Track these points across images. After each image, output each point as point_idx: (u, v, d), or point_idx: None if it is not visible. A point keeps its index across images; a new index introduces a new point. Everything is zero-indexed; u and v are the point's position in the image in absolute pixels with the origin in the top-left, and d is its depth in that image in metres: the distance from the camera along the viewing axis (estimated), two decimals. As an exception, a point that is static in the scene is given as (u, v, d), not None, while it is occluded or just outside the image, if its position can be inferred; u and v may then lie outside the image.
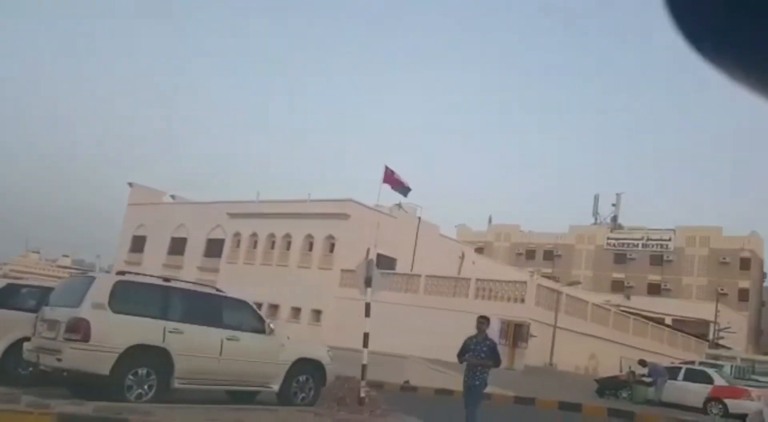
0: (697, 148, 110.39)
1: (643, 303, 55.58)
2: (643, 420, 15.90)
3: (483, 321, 9.41)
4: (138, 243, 46.11)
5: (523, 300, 27.59)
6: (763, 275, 71.59)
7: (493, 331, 27.40)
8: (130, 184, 48.14)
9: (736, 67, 0.47)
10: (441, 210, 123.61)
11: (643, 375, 19.25)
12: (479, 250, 78.33)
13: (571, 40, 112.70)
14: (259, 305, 36.91)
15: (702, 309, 53.75)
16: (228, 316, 10.24)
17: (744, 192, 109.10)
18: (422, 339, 27.96)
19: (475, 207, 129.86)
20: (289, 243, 36.78)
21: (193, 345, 9.69)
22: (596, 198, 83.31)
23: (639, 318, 37.29)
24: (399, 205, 39.44)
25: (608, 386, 19.18)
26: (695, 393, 19.07)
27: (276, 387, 10.35)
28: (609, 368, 27.35)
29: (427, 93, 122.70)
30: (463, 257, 41.90)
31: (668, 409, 18.09)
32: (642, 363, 19.62)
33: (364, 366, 11.11)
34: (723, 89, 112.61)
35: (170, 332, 9.52)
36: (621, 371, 21.67)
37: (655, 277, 71.86)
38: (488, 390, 18.73)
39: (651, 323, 38.25)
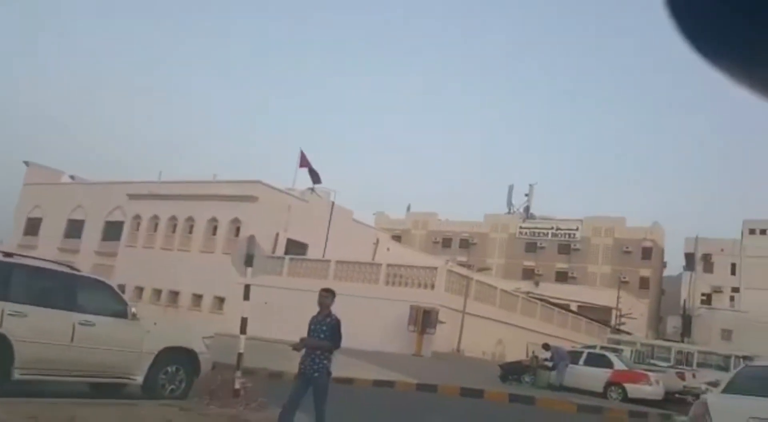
0: (606, 141, 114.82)
1: (550, 290, 57.00)
2: (544, 404, 15.66)
3: (326, 294, 7.77)
4: (33, 226, 42.86)
5: (433, 287, 27.18)
6: (664, 264, 75.26)
7: (403, 317, 26.96)
8: (26, 163, 44.68)
9: (735, 66, 0.46)
10: (360, 198, 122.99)
11: (546, 360, 19.15)
12: (396, 238, 78.36)
13: (480, 29, 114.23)
14: (159, 292, 35.21)
15: (605, 296, 55.73)
16: (83, 298, 8.95)
17: (648, 183, 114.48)
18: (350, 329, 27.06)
19: (394, 195, 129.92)
20: (191, 227, 34.96)
21: (39, 330, 8.38)
22: (510, 188, 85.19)
23: (546, 304, 37.89)
24: (312, 190, 38.30)
25: (511, 371, 18.97)
26: (596, 377, 19.12)
27: (140, 379, 9.17)
28: (516, 353, 27.44)
29: (345, 79, 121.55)
30: (377, 243, 41.28)
31: (569, 394, 18.02)
32: (545, 347, 19.51)
33: (240, 355, 10.10)
34: (627, 81, 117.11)
35: (10, 315, 8.18)
36: (527, 356, 21.58)
37: (562, 265, 74.11)
38: (391, 377, 18.38)
39: (557, 309, 38.98)
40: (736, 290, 66.77)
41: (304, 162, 39.93)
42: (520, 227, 78.63)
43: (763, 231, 65.92)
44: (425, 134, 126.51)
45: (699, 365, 28.98)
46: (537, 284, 61.98)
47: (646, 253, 70.82)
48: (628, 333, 41.55)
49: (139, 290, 35.00)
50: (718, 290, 67.38)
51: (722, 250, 68.53)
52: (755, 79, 0.48)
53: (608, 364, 19.31)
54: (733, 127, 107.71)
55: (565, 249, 75.16)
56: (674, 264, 75.36)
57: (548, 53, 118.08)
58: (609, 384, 18.96)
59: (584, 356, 19.84)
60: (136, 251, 36.37)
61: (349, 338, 22.42)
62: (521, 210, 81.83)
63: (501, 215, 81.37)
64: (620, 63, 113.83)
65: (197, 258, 33.84)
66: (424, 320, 25.85)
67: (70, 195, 41.19)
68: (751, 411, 5.99)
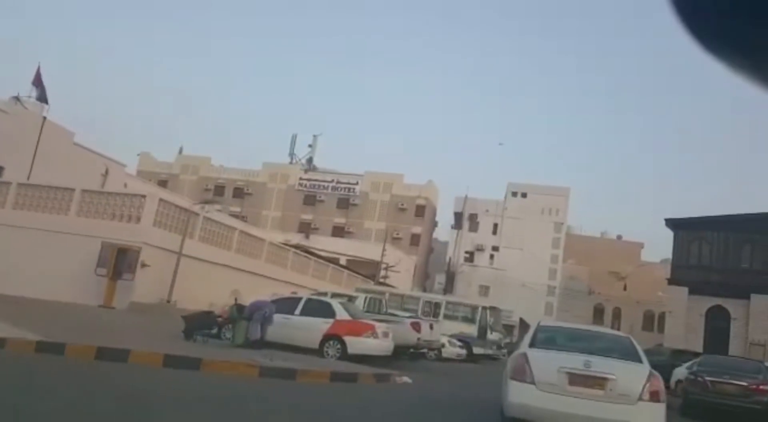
0: (396, 96, 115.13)
1: (321, 243, 53.75)
2: (213, 368, 11.06)
3: None
4: None
5: (138, 220, 21.37)
6: (435, 223, 76.34)
7: (94, 258, 20.86)
8: None
9: (735, 55, 0.47)
10: (129, 140, 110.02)
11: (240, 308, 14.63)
12: (163, 183, 70.06)
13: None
14: None
15: (375, 251, 53.71)
16: None
17: (427, 143, 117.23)
18: (7, 271, 20.26)
19: (168, 139, 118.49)
20: None
21: None
22: (293, 138, 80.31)
23: (300, 253, 33.91)
24: (17, 99, 29.84)
25: (199, 325, 14.17)
26: (312, 329, 15.11)
27: None
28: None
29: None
30: (107, 174, 33.85)
31: (271, 351, 13.74)
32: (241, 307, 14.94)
33: None
34: (420, 37, 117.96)
35: None
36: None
37: (340, 220, 71.75)
38: (14, 334, 12.47)
39: (313, 258, 35.24)
40: (496, 249, 69.56)
41: (38, 79, 31.45)
42: (300, 178, 74.65)
43: (524, 195, 69.07)
44: (202, 71, 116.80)
45: (447, 317, 26.89)
46: (307, 236, 58.38)
47: (420, 211, 70.92)
48: (392, 287, 39.35)
49: None
50: (480, 248, 69.67)
51: (487, 211, 70.87)
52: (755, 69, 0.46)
53: (329, 314, 15.36)
54: (506, 92, 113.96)
55: (343, 203, 72.80)
56: (445, 222, 76.81)
57: None
58: (326, 338, 15.04)
59: (301, 304, 15.67)
60: None
61: (24, 283, 16.13)
62: (304, 161, 77.87)
63: (281, 164, 76.50)
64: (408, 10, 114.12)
65: None
66: (119, 262, 20.06)
67: None
68: (558, 362, 7.10)
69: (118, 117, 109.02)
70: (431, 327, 18.61)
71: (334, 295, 19.12)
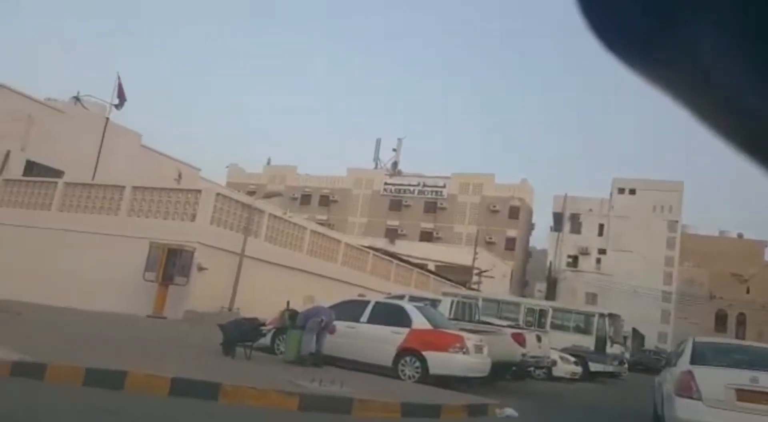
0: (477, 95, 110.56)
1: (408, 248, 50.44)
2: (232, 398, 7.91)
3: None
4: None
5: (193, 218, 18.86)
6: (531, 225, 71.27)
7: (137, 260, 18.48)
8: None
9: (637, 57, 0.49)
10: (218, 152, 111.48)
11: (293, 316, 11.45)
12: (251, 194, 69.36)
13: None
14: None
15: (466, 256, 49.79)
16: None
17: (519, 140, 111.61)
18: (53, 279, 18.35)
19: (257, 150, 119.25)
20: None
21: None
22: (378, 142, 77.75)
23: (380, 255, 30.72)
24: (77, 99, 28.56)
25: (239, 335, 11.13)
26: (382, 341, 11.77)
27: None
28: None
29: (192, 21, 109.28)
30: (180, 178, 32.08)
31: (330, 370, 10.50)
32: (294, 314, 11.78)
33: None
34: (504, 38, 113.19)
35: None
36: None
37: (428, 225, 68.27)
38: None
39: (395, 261, 31.94)
40: (602, 252, 63.67)
41: (121, 90, 30.32)
42: (385, 183, 71.91)
43: (632, 191, 62.89)
44: (293, 85, 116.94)
45: (554, 327, 22.75)
46: (393, 241, 55.24)
47: (514, 213, 66.23)
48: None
49: None
50: (584, 252, 64.00)
51: (591, 210, 65.14)
52: (652, 70, 0.48)
53: (404, 321, 11.95)
54: (605, 88, 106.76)
55: (431, 207, 69.35)
56: (542, 225, 71.65)
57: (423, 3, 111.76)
58: (401, 353, 11.64)
59: (369, 309, 12.33)
60: None
61: (71, 293, 13.49)
62: (388, 165, 75.07)
63: (365, 170, 74.06)
64: (499, 20, 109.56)
65: None
66: (170, 264, 17.54)
67: None
68: (725, 378, 7.17)
69: (209, 130, 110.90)
70: (539, 339, 14.79)
71: (413, 298, 15.65)
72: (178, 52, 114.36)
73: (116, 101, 29.58)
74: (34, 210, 20.90)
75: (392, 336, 11.77)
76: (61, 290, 18.34)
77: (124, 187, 19.90)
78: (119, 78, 29.69)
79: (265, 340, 11.92)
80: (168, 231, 18.45)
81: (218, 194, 19.42)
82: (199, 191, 19.26)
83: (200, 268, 18.24)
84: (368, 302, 12.74)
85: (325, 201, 73.92)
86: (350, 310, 12.26)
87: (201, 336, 13.48)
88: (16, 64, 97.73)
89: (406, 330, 11.79)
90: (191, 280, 17.97)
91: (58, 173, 25.88)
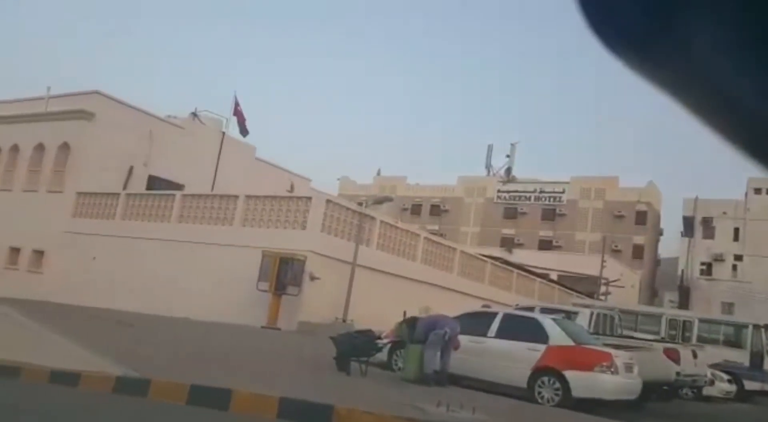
0: (595, 96, 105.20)
1: (526, 257, 48.08)
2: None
3: None
4: None
5: (304, 226, 18.24)
6: (659, 231, 66.28)
7: (250, 270, 18.01)
8: None
9: (635, 55, 0.49)
10: (329, 166, 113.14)
11: (410, 326, 10.21)
12: (360, 205, 69.52)
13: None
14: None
15: (589, 265, 46.74)
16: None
17: (642, 141, 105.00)
18: (171, 289, 18.49)
19: (366, 161, 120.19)
20: (16, 158, 25.85)
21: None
22: (490, 148, 75.68)
23: (499, 265, 28.99)
24: (194, 115, 29.20)
25: (353, 349, 10.05)
26: (514, 359, 10.31)
27: None
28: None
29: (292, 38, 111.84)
30: (292, 189, 32.08)
31: (457, 391, 9.20)
32: (411, 321, 10.55)
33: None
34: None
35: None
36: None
37: (546, 233, 65.12)
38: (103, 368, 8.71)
39: (516, 271, 30.05)
40: (739, 258, 57.83)
41: (237, 110, 31.02)
42: (499, 190, 69.56)
43: (771, 191, 56.78)
44: (400, 95, 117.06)
45: (700, 340, 20.11)
46: (510, 251, 52.94)
47: (641, 218, 61.75)
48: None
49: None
50: (719, 258, 58.40)
51: (724, 213, 59.49)
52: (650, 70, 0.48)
53: (539, 336, 10.43)
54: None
55: (549, 214, 66.15)
56: (670, 231, 66.42)
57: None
58: (537, 373, 10.13)
59: (497, 322, 10.89)
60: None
61: (188, 303, 13.36)
62: (502, 172, 72.67)
63: (477, 177, 72.07)
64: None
65: (19, 200, 24.86)
66: (282, 274, 16.95)
67: None
68: None
69: (319, 143, 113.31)
70: (695, 355, 12.71)
71: (544, 310, 13.98)
72: (288, 69, 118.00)
73: (233, 118, 30.02)
74: (154, 222, 21.21)
75: (526, 353, 10.29)
76: (178, 301, 18.29)
77: (237, 197, 19.71)
78: (236, 99, 30.13)
79: (382, 355, 10.80)
80: (280, 240, 17.95)
81: (328, 201, 18.74)
82: (309, 198, 18.66)
83: (312, 278, 17.56)
84: (496, 314, 11.29)
85: (436, 211, 72.66)
86: (475, 323, 10.89)
87: (314, 348, 12.61)
88: (135, 83, 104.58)
89: (543, 346, 10.27)
90: (304, 290, 17.32)
91: (179, 187, 26.39)
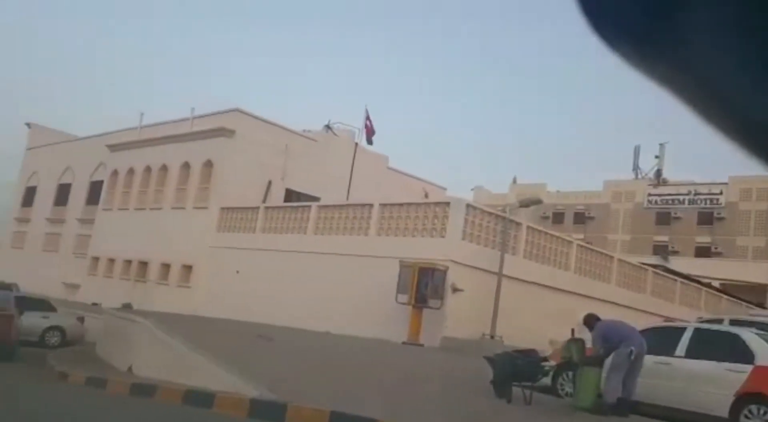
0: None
1: (682, 265, 43.70)
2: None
3: None
4: (29, 195, 37.43)
5: (443, 233, 17.05)
6: (842, 233, 58.07)
7: (391, 283, 17.08)
8: (28, 125, 39.42)
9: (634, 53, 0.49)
10: (461, 173, 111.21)
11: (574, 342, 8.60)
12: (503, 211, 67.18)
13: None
14: (129, 263, 27.74)
15: (756, 271, 41.61)
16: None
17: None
18: (308, 302, 18.23)
19: (501, 169, 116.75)
20: (164, 178, 26.99)
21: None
22: (637, 150, 70.47)
23: (661, 273, 26.10)
24: (328, 127, 29.17)
25: (514, 372, 8.58)
26: (712, 382, 8.42)
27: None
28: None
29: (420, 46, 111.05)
30: (427, 198, 31.16)
31: (641, 421, 7.55)
32: (588, 321, 8.94)
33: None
34: None
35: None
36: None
37: (703, 238, 59.25)
38: (241, 389, 7.88)
39: (680, 280, 26.93)
40: None
41: (368, 122, 31.07)
42: (649, 194, 64.50)
43: None
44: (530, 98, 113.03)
45: None
46: (666, 258, 48.47)
47: (820, 219, 54.52)
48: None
49: (111, 263, 27.72)
50: None
51: None
52: (650, 66, 0.48)
53: (741, 355, 8.47)
54: None
55: (706, 218, 60.21)
56: None
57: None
58: (743, 399, 8.18)
59: (686, 338, 9.01)
60: (112, 215, 29.16)
61: (327, 317, 12.94)
62: (650, 174, 67.39)
63: (624, 181, 67.31)
64: None
65: (169, 217, 25.89)
66: (421, 285, 15.83)
67: (62, 156, 35.04)
68: None
69: (452, 154, 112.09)
70: None
71: (734, 322, 11.70)
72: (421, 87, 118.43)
73: (363, 132, 29.72)
74: (291, 233, 21.03)
75: (726, 376, 8.38)
76: (316, 314, 17.80)
77: (372, 205, 18.97)
78: (367, 112, 29.83)
79: (546, 378, 9.29)
80: (417, 249, 16.90)
81: (468, 205, 17.41)
82: (447, 203, 17.46)
83: (455, 289, 16.30)
84: (684, 329, 9.40)
85: (580, 218, 68.65)
86: (659, 340, 9.08)
87: (463, 368, 11.33)
88: (271, 98, 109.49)
89: (748, 366, 8.31)
90: (446, 303, 16.08)
91: (314, 200, 26.33)
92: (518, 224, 18.87)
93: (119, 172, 29.33)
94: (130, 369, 11.30)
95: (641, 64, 0.48)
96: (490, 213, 17.99)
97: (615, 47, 0.48)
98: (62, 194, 34.22)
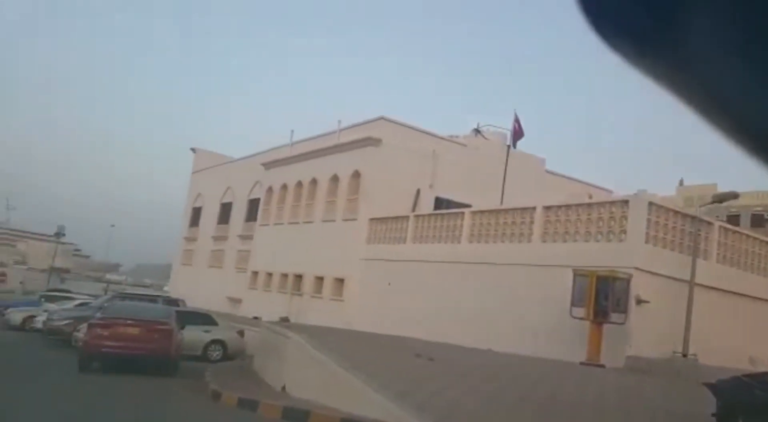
0: None
1: None
2: None
3: None
4: (195, 216, 39.66)
5: (622, 236, 14.91)
6: None
7: (563, 294, 15.17)
8: (193, 150, 41.92)
9: (633, 51, 0.50)
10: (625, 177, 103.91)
11: None
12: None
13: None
14: (285, 277, 27.90)
15: None
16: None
17: None
18: (465, 317, 17.01)
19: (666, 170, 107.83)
20: (315, 191, 26.94)
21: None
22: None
23: None
24: (477, 131, 27.72)
25: (747, 405, 6.59)
26: None
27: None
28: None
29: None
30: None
31: None
32: None
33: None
34: None
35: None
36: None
37: None
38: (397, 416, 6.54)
39: None
40: None
41: (516, 124, 29.57)
42: None
43: None
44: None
45: None
46: None
47: None
48: None
49: (269, 277, 28.19)
50: None
51: None
52: (651, 67, 0.49)
53: None
54: None
55: None
56: None
57: None
58: None
59: None
60: (268, 230, 29.72)
61: (490, 333, 11.80)
62: None
63: (814, 176, 58.86)
64: None
65: (320, 230, 25.74)
66: (600, 297, 13.82)
67: (220, 177, 36.70)
68: None
69: (614, 155, 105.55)
70: None
71: None
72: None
73: (512, 135, 27.93)
74: (444, 243, 19.80)
75: None
76: (475, 329, 16.38)
77: (534, 208, 17.21)
78: (516, 115, 28.04)
79: None
80: (591, 255, 14.90)
81: (651, 204, 15.07)
82: (626, 202, 15.25)
83: (639, 301, 14.12)
84: None
85: (758, 220, 60.99)
86: None
87: (665, 396, 9.35)
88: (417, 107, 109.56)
89: None
90: (630, 317, 13.94)
91: (466, 207, 24.91)
92: (710, 224, 16.22)
93: (273, 189, 29.88)
94: (283, 388, 10.60)
95: (641, 64, 0.48)
96: (677, 212, 15.55)
97: (616, 46, 0.48)
98: (224, 213, 35.76)
